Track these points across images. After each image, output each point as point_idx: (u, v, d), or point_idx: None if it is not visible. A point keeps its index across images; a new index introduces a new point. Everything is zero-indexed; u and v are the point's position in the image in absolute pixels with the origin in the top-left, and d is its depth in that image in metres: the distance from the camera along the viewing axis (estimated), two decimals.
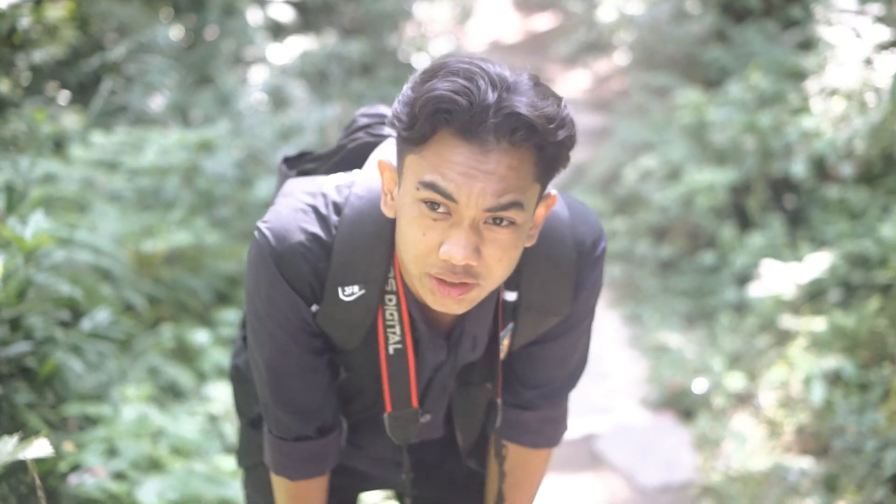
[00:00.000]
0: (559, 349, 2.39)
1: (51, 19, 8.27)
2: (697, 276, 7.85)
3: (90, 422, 4.57)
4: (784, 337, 6.31)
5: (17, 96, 7.74)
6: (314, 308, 2.23)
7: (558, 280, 2.26)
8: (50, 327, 4.21)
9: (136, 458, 4.28)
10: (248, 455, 2.72)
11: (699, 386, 6.24)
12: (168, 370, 5.30)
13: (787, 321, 6.26)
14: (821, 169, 7.58)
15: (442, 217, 1.96)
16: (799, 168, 7.42)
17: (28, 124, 6.57)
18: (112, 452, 4.29)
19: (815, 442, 5.42)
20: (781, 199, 7.84)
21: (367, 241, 2.17)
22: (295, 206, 2.21)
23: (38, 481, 2.65)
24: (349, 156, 2.42)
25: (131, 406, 4.64)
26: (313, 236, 2.17)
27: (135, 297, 5.54)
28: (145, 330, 5.68)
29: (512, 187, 1.93)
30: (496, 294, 2.26)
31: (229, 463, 4.51)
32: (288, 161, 2.55)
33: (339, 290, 2.19)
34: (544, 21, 18.17)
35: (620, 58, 13.46)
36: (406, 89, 1.97)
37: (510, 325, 2.33)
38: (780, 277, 6.45)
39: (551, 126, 1.91)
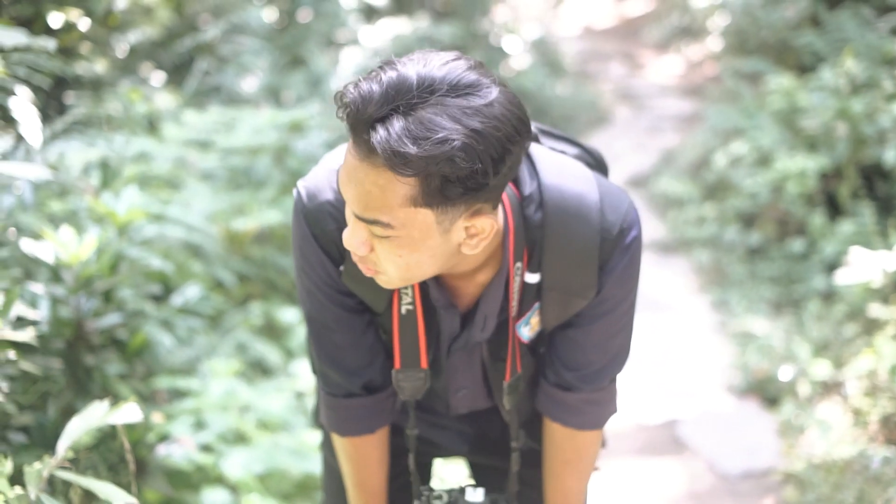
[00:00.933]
0: (596, 333, 2.41)
1: (147, 1, 8.43)
2: (786, 263, 7.79)
3: (179, 395, 4.67)
4: (872, 326, 6.25)
5: (112, 76, 7.90)
6: (341, 267, 2.30)
7: (580, 263, 2.28)
8: (140, 301, 4.31)
9: (223, 430, 4.37)
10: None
11: (785, 373, 6.21)
12: (256, 347, 5.39)
13: (876, 310, 6.20)
14: None
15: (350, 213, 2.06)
16: (891, 155, 7.33)
17: (123, 103, 6.71)
18: (199, 425, 4.39)
19: None
20: (873, 186, 7.76)
21: None
22: (331, 167, 2.28)
23: (127, 445, 2.73)
24: None
25: (219, 380, 4.73)
26: (341, 196, 2.23)
27: (225, 275, 5.63)
28: (234, 307, 5.77)
29: (375, 205, 1.97)
30: (507, 277, 2.30)
31: (314, 438, 4.58)
32: None
33: None
34: (637, 5, 18.09)
35: (713, 43, 13.37)
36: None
37: (536, 305, 2.37)
38: (869, 265, 6.39)
39: (419, 160, 1.88)
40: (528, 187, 2.25)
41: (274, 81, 8.88)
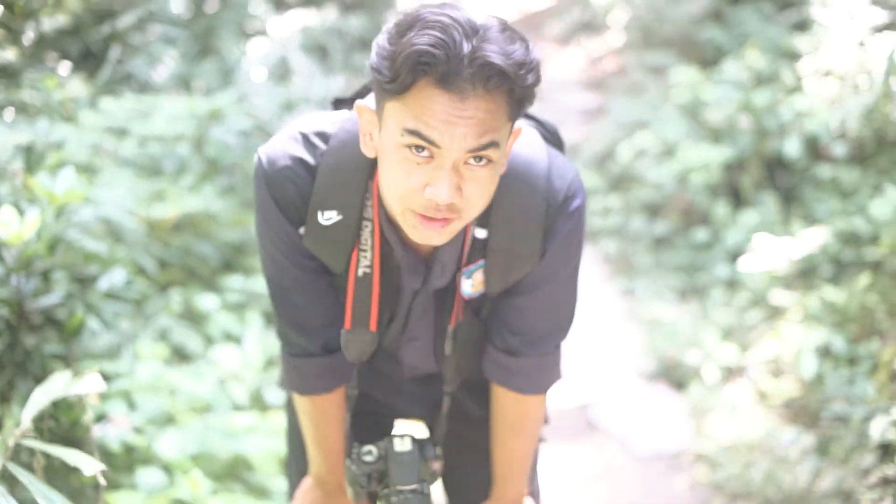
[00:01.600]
0: (541, 299, 2.53)
1: None
2: (690, 252, 7.99)
3: (107, 379, 4.71)
4: (775, 312, 6.47)
5: (22, 64, 7.85)
6: (301, 230, 2.41)
7: (526, 226, 2.41)
8: (71, 284, 4.35)
9: (154, 413, 4.43)
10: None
11: (692, 357, 6.40)
12: (178, 332, 5.45)
13: (779, 296, 6.42)
14: (814, 148, 7.73)
15: (425, 160, 2.13)
16: (792, 147, 7.56)
17: (40, 90, 6.69)
18: (131, 407, 4.45)
19: (804, 413, 5.59)
20: (775, 177, 7.99)
21: (347, 169, 2.36)
22: (289, 135, 2.41)
23: (89, 413, 2.79)
24: (367, 92, 2.55)
25: (146, 364, 4.79)
26: (300, 160, 2.37)
27: (146, 261, 5.67)
28: (156, 293, 5.81)
29: (489, 129, 2.10)
30: (465, 227, 2.42)
31: (242, 420, 4.66)
32: (337, 102, 2.69)
33: (319, 213, 2.39)
34: (539, 0, 18.26)
35: (614, 38, 13.57)
36: (383, 41, 2.11)
37: (481, 262, 2.48)
38: (772, 253, 6.60)
39: (521, 71, 2.07)
40: None
41: (185, 70, 8.88)
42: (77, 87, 7.83)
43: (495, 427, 2.72)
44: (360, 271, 2.44)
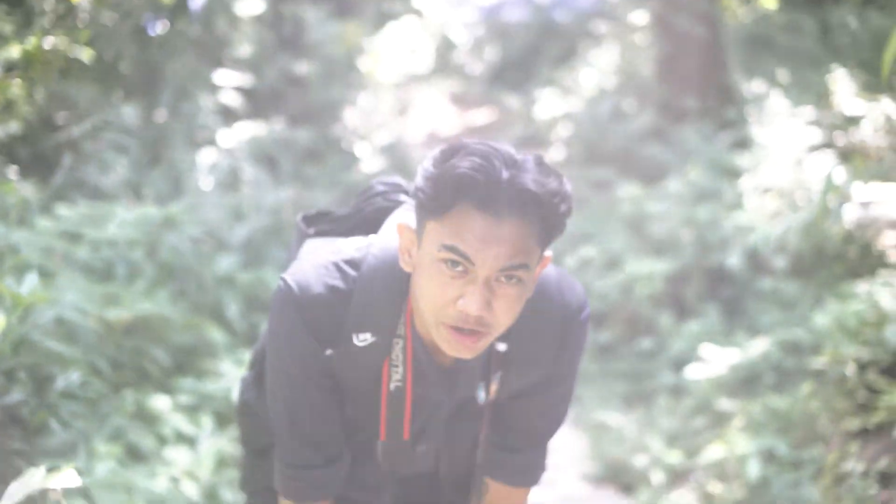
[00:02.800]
0: (544, 402, 2.65)
1: (9, 95, 8.46)
2: (636, 361, 8.10)
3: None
4: (720, 418, 6.58)
5: None
6: (329, 352, 2.50)
7: (545, 337, 2.54)
8: (28, 385, 4.39)
9: None
10: (252, 482, 2.97)
11: (639, 460, 6.47)
12: (132, 432, 5.47)
13: (724, 403, 6.54)
14: (755, 261, 7.92)
15: (459, 275, 2.27)
16: (734, 260, 7.75)
17: None
18: None
19: None
20: (718, 289, 8.16)
21: (382, 293, 2.47)
22: (318, 262, 2.51)
23: None
24: (367, 217, 2.72)
25: (102, 462, 4.82)
26: (333, 288, 2.47)
27: (100, 362, 5.70)
28: (110, 393, 5.83)
29: (521, 251, 2.25)
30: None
31: None
32: (306, 219, 2.81)
33: (354, 336, 2.48)
34: (481, 116, 18.52)
35: (557, 152, 13.81)
36: (428, 165, 2.29)
37: (499, 373, 2.58)
38: (717, 361, 6.73)
39: (554, 200, 2.25)
40: None
41: (135, 178, 8.96)
42: (29, 191, 7.88)
43: None
44: (393, 385, 2.54)
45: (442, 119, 18.69)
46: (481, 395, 2.62)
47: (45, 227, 6.64)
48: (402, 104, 18.28)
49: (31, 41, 8.71)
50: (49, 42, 8.95)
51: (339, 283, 2.47)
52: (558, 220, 2.28)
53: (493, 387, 2.61)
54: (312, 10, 13.59)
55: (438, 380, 2.57)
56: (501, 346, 2.55)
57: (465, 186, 2.21)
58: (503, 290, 2.28)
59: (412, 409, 2.59)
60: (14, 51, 8.34)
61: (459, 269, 2.26)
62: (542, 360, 2.57)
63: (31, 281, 4.10)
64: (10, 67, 8.55)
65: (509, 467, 2.73)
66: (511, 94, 16.97)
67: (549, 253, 2.39)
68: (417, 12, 20.81)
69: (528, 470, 2.76)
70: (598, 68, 13.39)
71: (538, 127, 14.49)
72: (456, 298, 2.28)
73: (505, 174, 2.21)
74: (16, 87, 8.56)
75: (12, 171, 8.49)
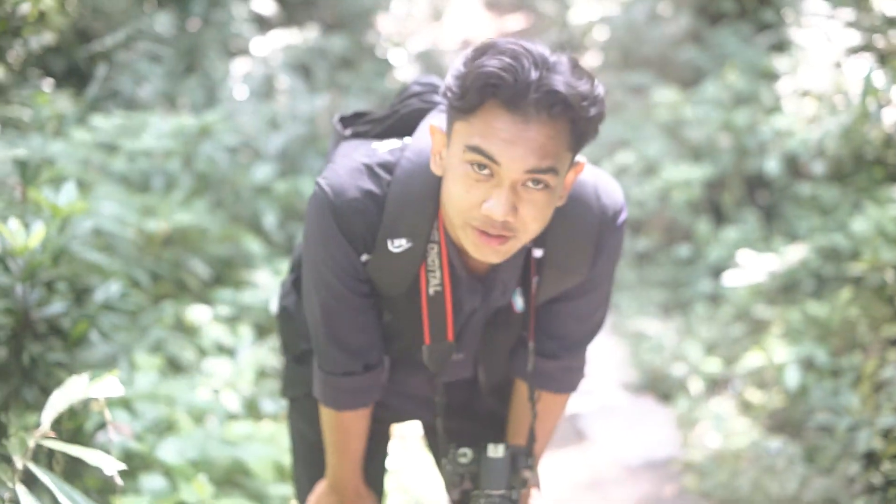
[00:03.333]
0: (581, 307, 2.64)
1: (42, 7, 8.43)
2: (673, 268, 8.09)
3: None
4: (758, 326, 6.57)
5: (8, 81, 7.90)
6: (364, 258, 2.49)
7: (580, 242, 2.52)
8: (68, 296, 4.41)
9: (155, 420, 4.50)
10: (293, 387, 3.00)
11: (677, 369, 6.49)
12: (172, 344, 5.51)
13: (762, 311, 6.52)
14: (793, 166, 7.86)
15: (485, 178, 2.23)
16: (772, 165, 7.68)
17: (32, 107, 6.74)
18: (132, 415, 4.51)
19: (789, 424, 5.69)
20: (755, 195, 8.11)
21: (416, 198, 2.44)
22: (352, 166, 2.48)
23: (108, 416, 2.84)
24: (403, 119, 2.67)
25: (143, 374, 4.86)
26: (368, 192, 2.44)
27: (139, 274, 5.73)
28: (149, 305, 5.88)
29: (549, 154, 2.21)
30: (526, 248, 2.52)
31: (238, 428, 4.72)
32: (343, 120, 2.79)
33: (389, 242, 2.46)
34: (516, 22, 18.37)
35: (593, 58, 13.69)
36: (458, 64, 2.24)
37: (535, 279, 2.57)
38: (755, 268, 6.71)
39: (584, 103, 2.20)
40: None
41: (170, 88, 8.95)
42: (64, 104, 7.89)
43: (530, 423, 2.76)
44: (432, 290, 2.52)
45: (476, 25, 18.56)
46: (518, 302, 2.62)
47: (82, 139, 6.64)
48: (436, 10, 18.14)
49: None
50: None
51: (373, 187, 2.45)
52: (589, 125, 2.24)
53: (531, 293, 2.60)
54: None
55: (472, 285, 2.56)
56: (537, 252, 2.54)
57: (491, 85, 2.16)
58: (530, 195, 2.25)
59: (453, 313, 2.59)
60: None
61: (486, 171, 2.23)
62: (579, 266, 2.55)
63: (69, 191, 4.09)
64: None
65: (550, 374, 2.72)
66: None
67: (581, 159, 2.36)
68: None
69: (568, 376, 2.76)
70: None
71: (573, 32, 14.35)
72: (481, 202, 2.25)
73: (534, 74, 2.16)
74: None
75: (47, 83, 8.49)
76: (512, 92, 2.16)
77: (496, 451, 2.64)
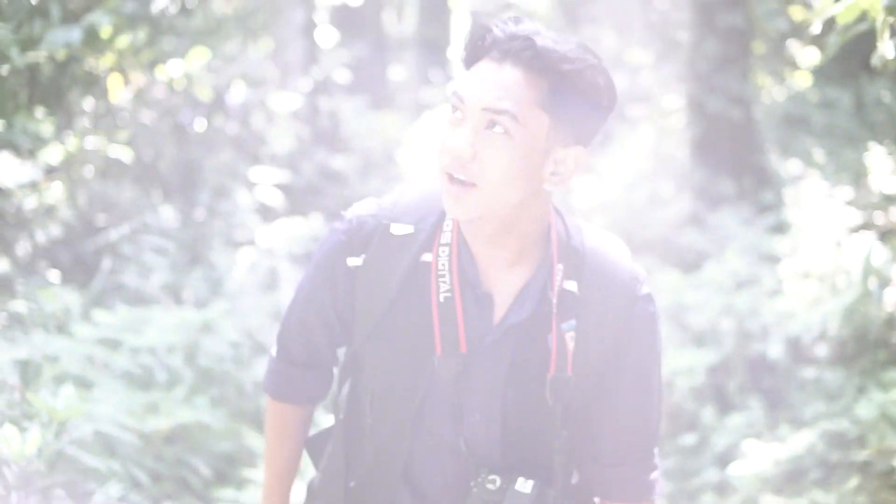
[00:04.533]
0: (629, 397, 2.53)
1: (50, 200, 8.55)
2: (679, 458, 8.02)
3: None
4: None
5: (14, 274, 7.97)
6: (360, 259, 2.53)
7: (616, 283, 2.47)
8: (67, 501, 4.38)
9: None
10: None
11: None
12: None
13: (769, 500, 6.45)
14: (797, 350, 7.85)
15: (457, 121, 2.36)
16: (776, 349, 7.68)
17: (35, 302, 6.79)
18: None
19: None
20: (760, 379, 8.08)
21: (427, 197, 2.54)
22: (379, 203, 2.58)
23: None
24: None
25: None
26: (382, 200, 2.57)
27: (140, 474, 5.70)
28: None
29: (510, 96, 2.30)
30: (548, 269, 2.48)
31: None
32: None
33: (393, 224, 2.50)
34: None
35: None
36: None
37: (573, 322, 2.46)
38: (761, 456, 6.65)
39: (559, 60, 2.29)
40: (569, 221, 2.52)
41: (174, 280, 9.01)
42: (69, 297, 7.93)
43: None
44: (442, 296, 2.47)
45: None
46: (568, 338, 2.47)
47: (85, 334, 6.66)
48: None
49: (72, 142, 8.82)
50: (89, 142, 9.06)
51: (387, 201, 2.56)
52: (565, 84, 2.30)
53: (570, 343, 2.46)
54: (348, 103, 13.70)
55: (482, 299, 2.49)
56: (570, 285, 2.47)
57: (480, 37, 2.35)
58: (489, 138, 2.31)
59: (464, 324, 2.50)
60: (54, 153, 8.44)
61: (458, 114, 2.34)
62: (617, 311, 2.46)
63: (68, 394, 4.10)
64: (51, 170, 8.65)
65: (613, 482, 2.60)
66: None
67: (578, 148, 2.39)
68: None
69: (636, 482, 2.60)
70: (634, 153, 13.38)
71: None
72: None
73: (521, 31, 2.32)
74: (56, 189, 8.66)
75: (54, 276, 8.56)
76: (493, 40, 2.33)
77: (524, 485, 2.52)
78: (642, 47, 15.07)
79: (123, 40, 10.12)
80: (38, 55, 9.11)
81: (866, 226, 8.69)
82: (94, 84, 10.10)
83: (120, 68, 9.21)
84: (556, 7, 17.73)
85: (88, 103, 9.81)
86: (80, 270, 8.75)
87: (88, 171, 9.24)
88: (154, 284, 8.73)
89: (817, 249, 8.20)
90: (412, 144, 15.80)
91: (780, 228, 9.69)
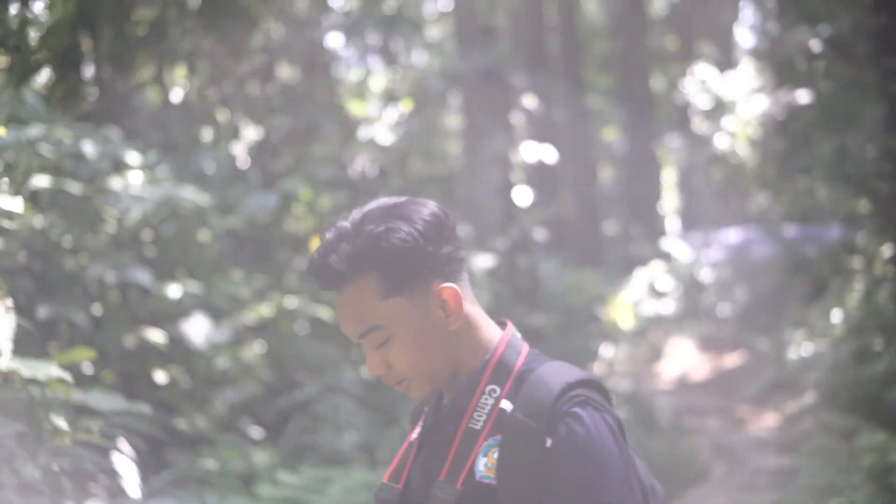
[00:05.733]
0: None
1: (246, 359, 8.72)
2: None
3: None
4: None
5: (212, 431, 8.11)
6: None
7: (541, 397, 2.32)
8: None
9: None
10: None
11: None
12: None
13: None
14: None
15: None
16: None
17: (220, 462, 6.89)
18: None
19: None
20: None
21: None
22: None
23: None
24: None
25: None
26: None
27: None
28: None
29: (360, 317, 2.37)
30: (475, 385, 2.43)
31: None
32: None
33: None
34: (732, 360, 18.20)
35: (809, 397, 13.38)
36: None
37: (498, 437, 2.33)
38: None
39: (356, 254, 2.33)
40: (530, 354, 2.48)
41: (369, 440, 9.03)
42: (260, 456, 8.02)
43: None
44: (415, 434, 2.55)
45: (691, 363, 18.47)
46: (480, 464, 2.35)
47: (268, 494, 6.72)
48: (654, 350, 18.15)
49: (274, 302, 9.02)
50: (291, 302, 9.26)
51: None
52: (382, 262, 2.33)
53: (493, 457, 2.33)
54: (548, 261, 13.73)
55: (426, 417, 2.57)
56: (507, 405, 2.37)
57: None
58: (385, 351, 2.38)
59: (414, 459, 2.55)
60: (255, 313, 8.63)
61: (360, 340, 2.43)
62: (534, 430, 2.29)
63: None
64: (250, 329, 8.86)
65: None
66: (761, 336, 16.63)
67: (446, 284, 2.39)
68: (665, 255, 20.83)
69: None
70: (846, 306, 13.00)
71: (790, 370, 14.14)
72: None
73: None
74: (255, 348, 8.84)
75: (254, 433, 8.70)
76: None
77: None
78: (851, 199, 14.70)
79: (325, 203, 10.43)
80: (236, 220, 9.44)
81: None
82: (300, 245, 10.41)
83: (322, 230, 9.43)
84: (769, 161, 17.47)
85: (297, 263, 10.10)
86: (278, 428, 8.88)
87: (294, 327, 9.46)
88: (347, 443, 8.79)
89: None
90: (616, 300, 15.73)
91: None
